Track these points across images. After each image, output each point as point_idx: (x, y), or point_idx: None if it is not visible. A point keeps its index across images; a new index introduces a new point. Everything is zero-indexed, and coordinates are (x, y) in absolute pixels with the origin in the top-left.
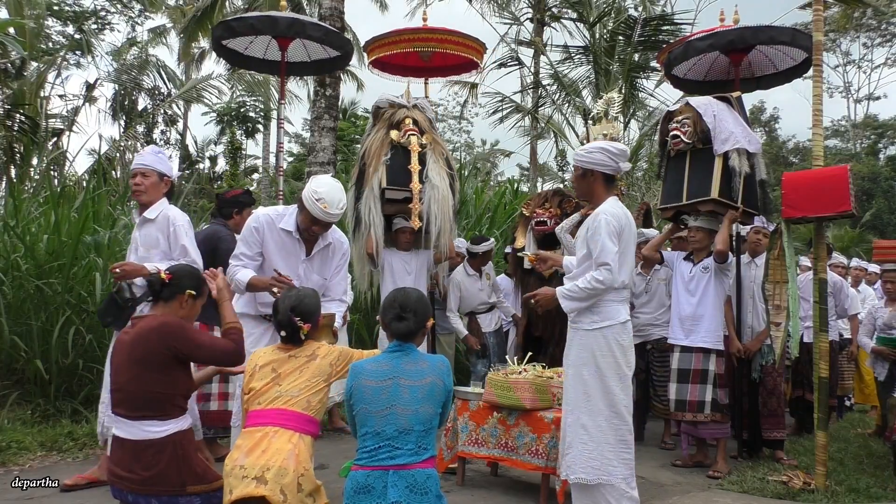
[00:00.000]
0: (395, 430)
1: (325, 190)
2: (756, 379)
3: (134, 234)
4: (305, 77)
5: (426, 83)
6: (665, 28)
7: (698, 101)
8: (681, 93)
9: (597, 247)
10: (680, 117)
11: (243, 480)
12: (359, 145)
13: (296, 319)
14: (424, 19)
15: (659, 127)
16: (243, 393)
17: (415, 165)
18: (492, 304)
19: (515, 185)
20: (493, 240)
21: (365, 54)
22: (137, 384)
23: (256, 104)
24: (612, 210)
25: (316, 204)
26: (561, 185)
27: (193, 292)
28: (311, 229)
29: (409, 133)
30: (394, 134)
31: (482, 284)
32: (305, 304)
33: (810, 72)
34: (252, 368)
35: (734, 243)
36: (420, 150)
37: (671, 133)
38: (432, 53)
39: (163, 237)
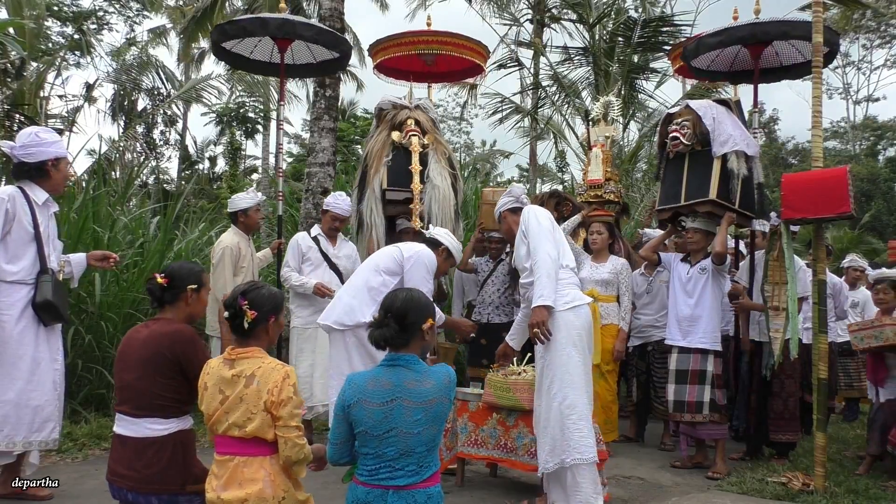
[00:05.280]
0: (395, 453)
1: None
2: (766, 377)
3: (52, 224)
4: (305, 78)
5: (430, 87)
6: (664, 29)
7: (698, 104)
8: (681, 94)
9: (529, 236)
10: (679, 119)
11: None
12: (358, 146)
13: (243, 304)
14: (428, 24)
15: (658, 129)
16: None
17: (415, 166)
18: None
19: None
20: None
21: (369, 57)
22: (144, 383)
23: (256, 104)
24: (532, 208)
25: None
26: (559, 188)
27: (194, 286)
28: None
29: (410, 134)
30: (395, 135)
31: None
32: (261, 293)
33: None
34: (202, 385)
35: (749, 241)
36: (421, 150)
37: (671, 135)
38: (436, 57)
39: None
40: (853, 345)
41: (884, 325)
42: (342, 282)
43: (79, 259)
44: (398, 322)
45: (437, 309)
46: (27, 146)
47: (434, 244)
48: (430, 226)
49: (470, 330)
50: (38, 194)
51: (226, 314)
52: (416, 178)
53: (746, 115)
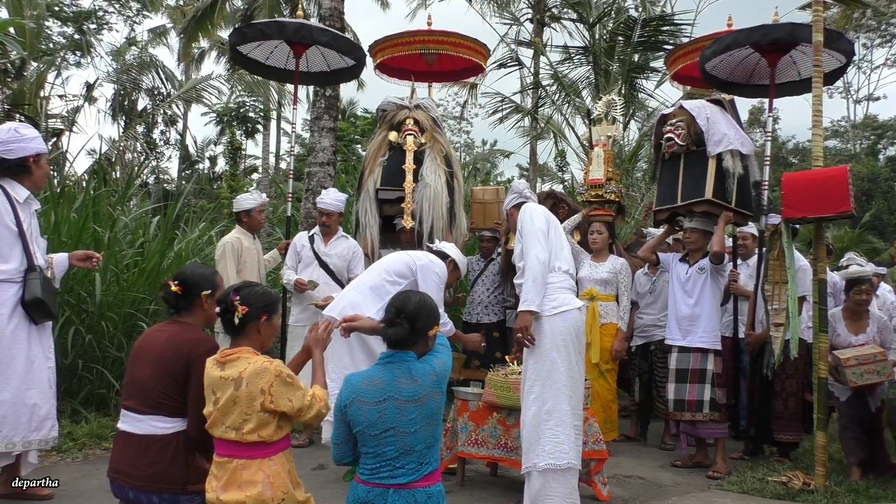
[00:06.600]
0: (395, 452)
1: None
2: (768, 377)
3: (34, 221)
4: (319, 85)
5: (430, 87)
6: (665, 29)
7: (692, 104)
8: (681, 93)
9: (523, 237)
10: (674, 120)
11: None
12: (358, 146)
13: (234, 299)
14: (429, 23)
15: (653, 130)
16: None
17: (409, 165)
18: None
19: None
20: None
21: (370, 57)
22: (155, 381)
23: (256, 104)
24: (529, 206)
25: None
26: (555, 188)
27: (208, 292)
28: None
29: (406, 133)
30: (392, 135)
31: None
32: (254, 290)
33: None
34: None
35: (759, 239)
36: (416, 149)
37: (665, 136)
38: (436, 57)
39: None
40: (850, 381)
41: (886, 359)
42: (334, 279)
43: (61, 259)
44: (410, 324)
45: (446, 318)
46: (7, 142)
47: (442, 256)
48: (424, 227)
49: (477, 344)
50: (19, 192)
51: (217, 309)
52: (409, 177)
53: (762, 118)
